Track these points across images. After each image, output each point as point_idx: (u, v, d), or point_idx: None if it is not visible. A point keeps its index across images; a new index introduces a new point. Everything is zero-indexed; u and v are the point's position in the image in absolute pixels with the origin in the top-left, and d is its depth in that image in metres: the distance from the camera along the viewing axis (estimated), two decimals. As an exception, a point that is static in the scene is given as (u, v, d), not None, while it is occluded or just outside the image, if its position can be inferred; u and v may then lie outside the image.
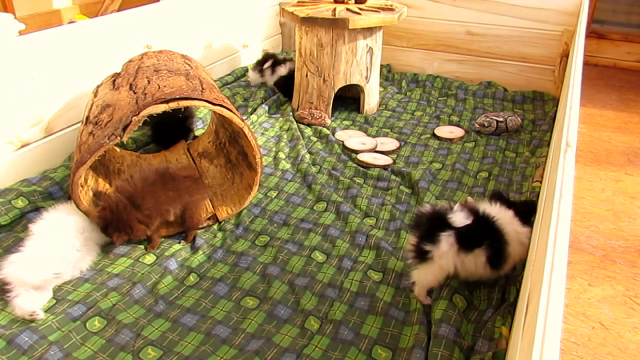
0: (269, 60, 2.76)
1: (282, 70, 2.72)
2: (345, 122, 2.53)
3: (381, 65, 2.84)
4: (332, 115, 2.58)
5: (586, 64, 3.85)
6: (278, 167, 2.06)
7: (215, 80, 2.41)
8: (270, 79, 2.76)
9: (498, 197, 1.41)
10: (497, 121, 2.37)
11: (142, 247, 1.60)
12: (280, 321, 1.33)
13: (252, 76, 2.80)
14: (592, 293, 1.68)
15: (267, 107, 2.55)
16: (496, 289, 1.39)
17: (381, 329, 1.30)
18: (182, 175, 1.59)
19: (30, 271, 1.32)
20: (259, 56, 2.89)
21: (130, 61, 1.89)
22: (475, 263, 1.28)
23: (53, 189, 1.74)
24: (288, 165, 2.08)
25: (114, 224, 1.46)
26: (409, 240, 1.35)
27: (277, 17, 3.34)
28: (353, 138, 2.32)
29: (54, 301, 1.37)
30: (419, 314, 1.31)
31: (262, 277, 1.48)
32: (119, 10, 3.73)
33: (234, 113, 1.60)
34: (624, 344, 1.49)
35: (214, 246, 1.62)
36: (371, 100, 2.61)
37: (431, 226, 1.28)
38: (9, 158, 1.82)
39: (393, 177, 2.00)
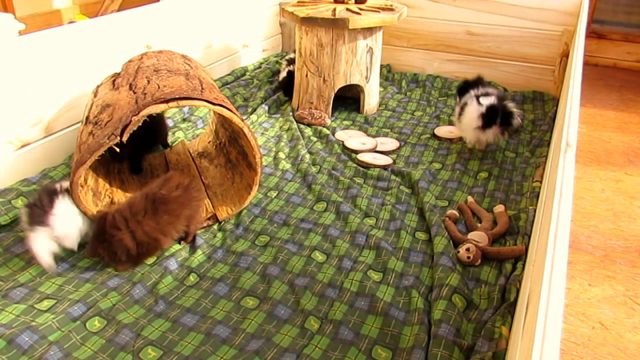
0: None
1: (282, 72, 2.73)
2: (345, 122, 2.53)
3: (381, 65, 2.85)
4: (332, 115, 2.58)
5: (586, 64, 3.85)
6: (278, 167, 2.06)
7: (215, 80, 2.42)
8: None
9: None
10: (497, 121, 2.37)
11: (142, 247, 1.60)
12: (280, 321, 1.33)
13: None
14: (592, 293, 1.68)
15: (267, 107, 2.55)
16: (496, 288, 1.40)
17: (381, 329, 1.30)
18: (173, 193, 1.49)
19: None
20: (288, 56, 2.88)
21: (130, 61, 1.89)
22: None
23: (53, 189, 1.74)
24: (288, 165, 2.08)
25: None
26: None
27: (277, 17, 3.34)
28: (353, 138, 2.32)
29: (55, 300, 1.37)
30: (419, 314, 1.31)
31: (262, 277, 1.48)
32: (119, 10, 3.73)
33: (234, 113, 1.60)
34: (624, 344, 1.49)
35: (214, 246, 1.62)
36: (371, 100, 2.61)
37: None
38: (9, 158, 1.82)
39: (393, 177, 2.00)
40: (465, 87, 2.21)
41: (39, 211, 1.43)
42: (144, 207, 1.46)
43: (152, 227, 1.45)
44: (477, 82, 2.20)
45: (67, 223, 1.48)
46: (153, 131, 1.90)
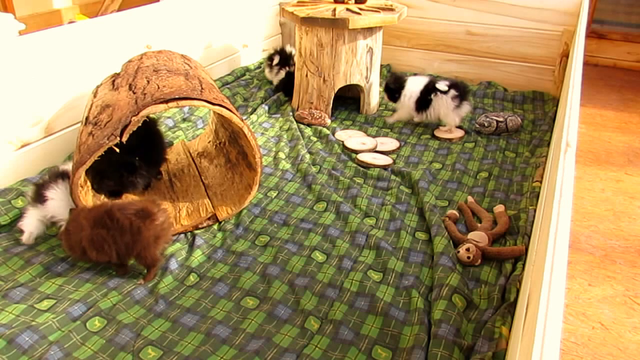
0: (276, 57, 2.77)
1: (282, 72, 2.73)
2: (345, 122, 2.53)
3: (381, 65, 2.84)
4: (332, 115, 2.58)
5: (586, 64, 3.85)
6: (278, 167, 2.06)
7: (215, 80, 2.42)
8: (276, 77, 2.77)
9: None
10: (497, 121, 2.37)
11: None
12: (280, 321, 1.33)
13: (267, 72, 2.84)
14: (592, 293, 1.68)
15: (267, 107, 2.55)
16: (496, 288, 1.40)
17: (381, 329, 1.30)
18: (126, 213, 1.39)
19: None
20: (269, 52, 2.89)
21: (129, 61, 1.89)
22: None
23: (53, 189, 1.74)
24: (288, 165, 2.08)
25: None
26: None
27: (277, 17, 3.34)
28: (353, 138, 2.32)
29: (54, 300, 1.37)
30: (419, 314, 1.31)
31: (262, 277, 1.48)
32: (119, 10, 3.73)
33: (234, 113, 1.60)
34: (624, 344, 1.49)
35: (214, 246, 1.63)
36: (371, 100, 2.61)
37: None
38: (9, 158, 1.82)
39: (393, 177, 2.00)
40: (394, 89, 2.41)
41: (38, 190, 1.56)
42: (98, 215, 1.40)
43: (85, 234, 1.39)
44: (399, 77, 2.42)
45: (59, 206, 1.56)
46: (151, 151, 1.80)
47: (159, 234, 1.43)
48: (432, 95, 2.31)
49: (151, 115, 1.65)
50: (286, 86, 2.69)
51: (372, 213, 1.79)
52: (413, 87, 2.37)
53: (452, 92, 2.29)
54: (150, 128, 1.74)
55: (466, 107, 2.34)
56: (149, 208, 1.43)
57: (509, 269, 1.47)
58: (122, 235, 1.39)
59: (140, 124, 1.46)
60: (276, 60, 2.76)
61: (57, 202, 1.55)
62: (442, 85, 2.30)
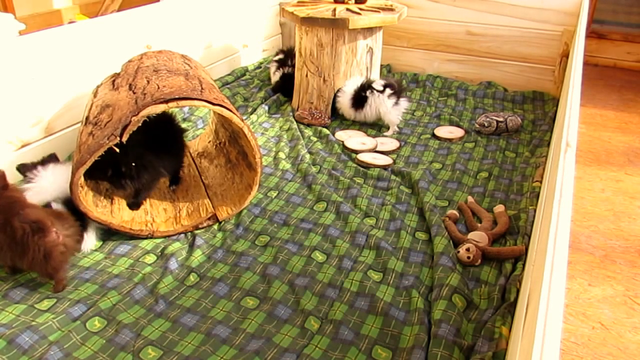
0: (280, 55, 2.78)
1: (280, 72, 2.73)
2: (345, 122, 2.53)
3: (381, 65, 2.85)
4: (332, 115, 2.58)
5: (586, 64, 3.85)
6: (278, 167, 2.06)
7: (215, 80, 2.42)
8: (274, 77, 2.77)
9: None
10: (497, 121, 2.37)
11: (142, 246, 1.60)
12: (280, 321, 1.33)
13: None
14: (592, 293, 1.68)
15: (267, 107, 2.55)
16: (496, 288, 1.40)
17: (381, 329, 1.30)
18: (24, 220, 1.30)
19: None
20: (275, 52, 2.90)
21: (129, 61, 1.89)
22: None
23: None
24: (288, 165, 2.08)
25: None
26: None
27: (277, 17, 3.34)
28: (353, 138, 2.32)
29: (54, 300, 1.37)
30: (419, 314, 1.31)
31: (262, 277, 1.48)
32: (119, 10, 3.73)
33: (234, 113, 1.60)
34: (624, 344, 1.49)
35: (214, 246, 1.63)
36: (371, 100, 2.61)
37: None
38: (9, 158, 1.82)
39: (393, 177, 2.00)
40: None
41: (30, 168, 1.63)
42: (3, 216, 1.33)
43: None
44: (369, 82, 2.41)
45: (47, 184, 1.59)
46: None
47: (49, 251, 1.33)
48: (368, 93, 2.36)
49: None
50: (281, 89, 2.69)
51: (372, 213, 1.79)
52: (348, 87, 2.42)
53: (388, 90, 2.33)
54: (172, 127, 1.78)
55: (404, 104, 2.40)
56: (43, 221, 1.31)
57: (509, 269, 1.47)
58: (14, 244, 1.32)
59: (139, 124, 1.46)
60: (278, 57, 2.77)
61: None
62: (377, 85, 2.36)
